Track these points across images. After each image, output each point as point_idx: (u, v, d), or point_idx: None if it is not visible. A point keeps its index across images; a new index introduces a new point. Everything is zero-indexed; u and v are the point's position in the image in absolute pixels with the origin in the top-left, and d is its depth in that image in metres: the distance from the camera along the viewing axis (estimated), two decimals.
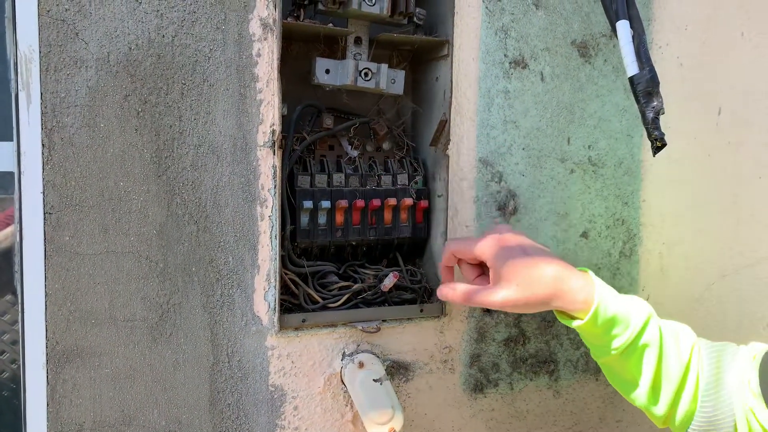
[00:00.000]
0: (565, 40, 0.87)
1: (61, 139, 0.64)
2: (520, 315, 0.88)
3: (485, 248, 0.69)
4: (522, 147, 0.86)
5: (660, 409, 0.66)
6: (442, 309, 0.83)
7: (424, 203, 0.84)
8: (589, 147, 0.90)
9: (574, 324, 0.67)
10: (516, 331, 0.88)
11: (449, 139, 0.81)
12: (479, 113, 0.83)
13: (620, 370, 0.69)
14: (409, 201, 0.82)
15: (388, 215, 0.83)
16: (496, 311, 0.87)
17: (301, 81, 0.81)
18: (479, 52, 0.82)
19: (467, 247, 0.72)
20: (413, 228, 0.85)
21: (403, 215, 0.83)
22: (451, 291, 0.71)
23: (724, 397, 0.64)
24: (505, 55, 0.84)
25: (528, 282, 0.66)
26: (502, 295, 0.66)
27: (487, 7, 0.82)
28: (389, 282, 0.80)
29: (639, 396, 0.67)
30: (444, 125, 0.81)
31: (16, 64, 0.62)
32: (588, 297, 0.65)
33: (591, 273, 0.68)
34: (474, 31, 0.82)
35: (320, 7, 0.75)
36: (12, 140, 0.63)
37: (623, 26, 0.69)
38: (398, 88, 0.81)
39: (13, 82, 0.62)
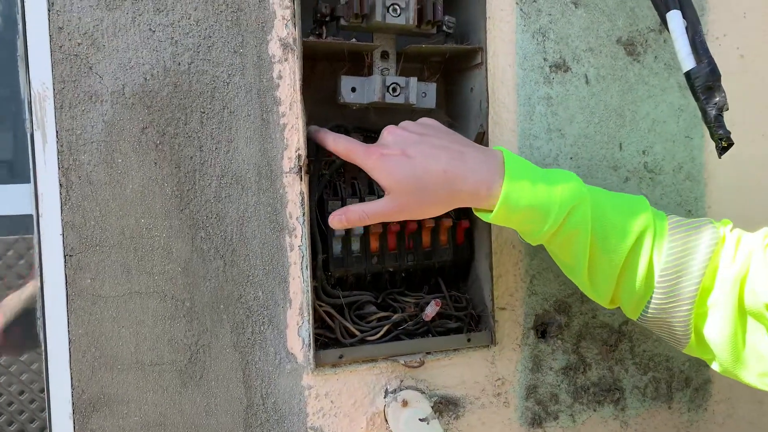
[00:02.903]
0: (609, 39, 0.80)
1: (79, 178, 0.62)
2: (578, 341, 0.80)
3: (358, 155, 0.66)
4: (569, 156, 0.79)
5: (601, 298, 0.67)
6: (491, 338, 0.77)
7: (465, 223, 0.78)
8: (643, 152, 0.82)
9: (489, 218, 0.63)
10: (575, 357, 0.81)
11: None
12: (520, 123, 0.77)
13: (554, 254, 0.68)
14: (448, 221, 0.77)
15: (426, 238, 0.77)
16: (551, 336, 0.79)
17: (328, 101, 0.76)
18: (516, 57, 0.76)
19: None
20: (455, 250, 0.79)
21: (443, 237, 0.78)
22: (338, 216, 0.67)
23: (685, 286, 0.61)
24: (544, 59, 0.78)
25: (411, 187, 0.62)
26: (377, 205, 0.65)
27: (521, 10, 0.76)
28: (431, 310, 0.74)
29: (578, 282, 0.68)
30: (482, 137, 0.75)
31: (29, 103, 0.60)
32: (490, 192, 0.61)
33: (501, 155, 0.64)
34: (509, 36, 0.76)
35: (342, 22, 0.71)
36: (29, 182, 0.61)
37: (675, 17, 0.62)
38: (430, 101, 0.75)
39: (27, 122, 0.60)
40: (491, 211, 0.63)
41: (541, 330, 0.80)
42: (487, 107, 0.74)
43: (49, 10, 0.60)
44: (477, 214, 0.66)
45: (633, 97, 0.82)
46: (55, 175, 0.61)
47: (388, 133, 0.66)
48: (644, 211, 0.64)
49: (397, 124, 0.69)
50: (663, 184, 0.83)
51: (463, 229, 0.79)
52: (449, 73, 0.81)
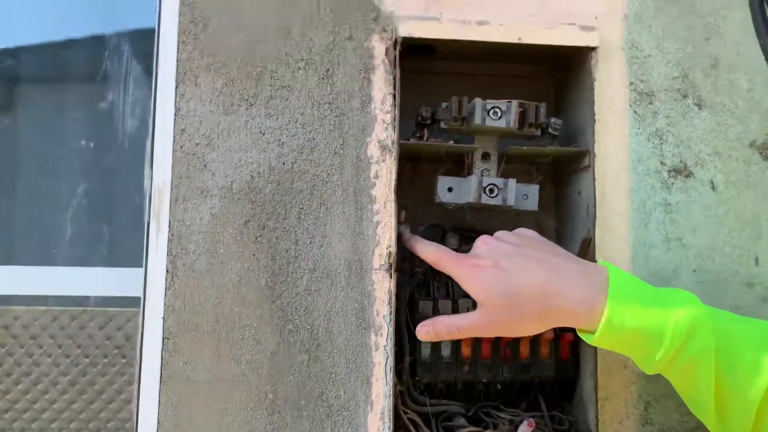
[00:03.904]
0: (740, 143, 0.73)
1: (184, 265, 0.66)
2: None
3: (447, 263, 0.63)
4: (692, 269, 0.71)
5: None
6: None
7: (569, 336, 0.72)
8: None
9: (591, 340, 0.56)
10: None
11: (595, 261, 0.70)
12: (633, 230, 0.71)
13: (674, 385, 0.59)
14: (550, 333, 0.71)
15: (524, 349, 0.71)
16: None
17: (427, 201, 0.76)
18: (629, 161, 0.72)
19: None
20: (557, 365, 0.72)
21: (544, 349, 0.72)
22: (426, 327, 0.64)
23: None
24: (662, 163, 0.72)
25: (504, 302, 0.58)
26: (468, 318, 0.60)
27: (635, 112, 0.72)
28: (524, 430, 0.67)
29: (704, 419, 0.58)
30: (588, 245, 0.70)
31: (150, 196, 0.67)
32: (592, 311, 0.54)
33: (606, 271, 0.57)
34: (621, 139, 0.72)
35: (442, 125, 0.72)
36: (141, 266, 0.66)
37: None
38: (532, 204, 0.72)
39: (146, 212, 0.67)
40: (594, 333, 0.57)
41: None
42: (595, 212, 0.70)
43: (175, 115, 0.67)
44: (580, 334, 0.60)
45: None
46: (163, 261, 0.66)
47: (482, 242, 0.64)
48: None
49: (496, 226, 0.67)
50: None
51: (567, 342, 0.72)
52: (558, 176, 0.78)
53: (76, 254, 0.68)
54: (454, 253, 0.65)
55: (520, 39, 0.70)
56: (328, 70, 0.70)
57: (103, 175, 0.68)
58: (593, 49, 0.71)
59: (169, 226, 0.66)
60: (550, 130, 0.72)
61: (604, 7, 0.73)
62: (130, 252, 0.67)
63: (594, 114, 0.71)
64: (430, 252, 0.65)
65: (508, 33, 0.70)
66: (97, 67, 0.69)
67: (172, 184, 0.67)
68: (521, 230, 0.66)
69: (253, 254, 0.67)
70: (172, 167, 0.67)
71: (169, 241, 0.66)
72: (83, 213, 0.68)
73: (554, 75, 0.81)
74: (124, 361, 0.67)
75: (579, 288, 0.57)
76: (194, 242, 0.67)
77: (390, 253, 0.68)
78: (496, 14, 0.72)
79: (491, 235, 0.65)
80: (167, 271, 0.66)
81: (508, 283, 0.58)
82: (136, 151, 0.67)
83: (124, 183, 0.68)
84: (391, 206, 0.69)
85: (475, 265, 0.60)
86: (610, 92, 0.72)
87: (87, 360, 0.70)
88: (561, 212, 0.77)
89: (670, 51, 0.73)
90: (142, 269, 0.66)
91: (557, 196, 0.79)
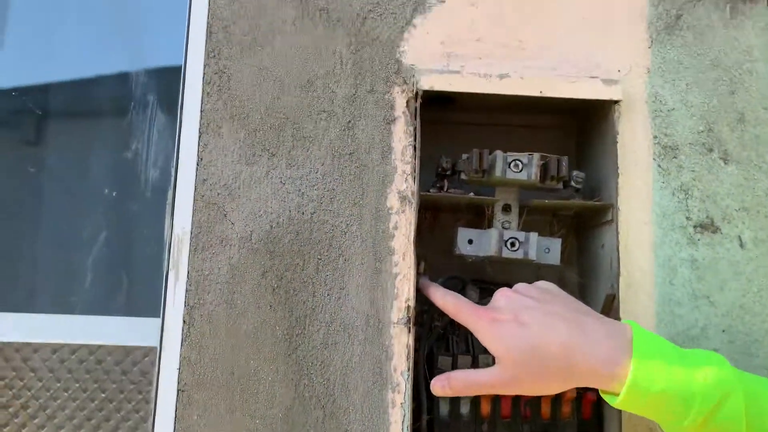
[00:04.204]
0: None
1: (201, 316, 0.66)
2: None
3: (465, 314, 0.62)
4: (721, 329, 0.69)
5: None
6: None
7: (591, 395, 0.69)
8: None
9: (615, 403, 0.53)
10: None
11: (620, 318, 0.68)
12: (658, 286, 0.69)
13: None
14: (572, 392, 0.69)
15: (545, 408, 0.69)
16: None
17: (448, 252, 0.75)
18: (652, 215, 0.70)
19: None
20: (580, 425, 0.70)
21: (566, 408, 0.69)
22: (441, 382, 0.62)
23: None
24: (687, 218, 0.70)
25: (524, 359, 0.56)
26: (485, 374, 0.58)
27: (659, 166, 0.71)
28: None
29: None
30: (612, 301, 0.68)
31: (169, 245, 0.67)
32: (615, 372, 0.52)
33: (630, 330, 0.54)
34: (645, 193, 0.71)
35: (463, 177, 0.71)
36: (159, 317, 0.66)
37: None
38: (554, 257, 0.71)
39: (165, 262, 0.67)
40: (618, 395, 0.55)
41: None
42: (618, 267, 0.68)
43: (197, 164, 0.68)
44: (603, 396, 0.58)
45: None
46: (180, 312, 0.66)
47: (501, 295, 0.62)
48: None
49: (517, 279, 0.66)
50: None
51: (590, 402, 0.70)
52: (580, 229, 0.77)
53: (94, 302, 0.68)
54: (473, 304, 0.63)
55: (541, 92, 0.70)
56: (350, 121, 0.70)
57: (124, 222, 0.69)
58: (616, 102, 0.70)
59: (188, 276, 0.66)
60: (572, 182, 0.71)
61: (627, 60, 0.72)
62: (147, 302, 0.67)
63: (617, 167, 0.70)
64: (448, 302, 0.64)
65: (529, 86, 0.70)
66: (123, 114, 0.70)
67: (192, 233, 0.67)
68: (542, 283, 0.65)
69: (270, 305, 0.67)
70: (193, 216, 0.67)
71: (187, 291, 0.66)
72: (103, 260, 0.68)
73: (575, 127, 0.80)
74: (140, 397, 0.66)
75: (603, 348, 0.55)
76: (212, 292, 0.66)
77: (409, 306, 0.67)
78: (517, 67, 0.72)
79: (511, 287, 0.63)
80: (184, 321, 0.66)
81: (529, 340, 0.57)
82: (158, 199, 0.67)
83: (144, 231, 0.68)
84: (411, 258, 0.68)
85: (495, 319, 0.59)
86: (633, 145, 0.71)
87: (103, 395, 0.69)
88: (584, 266, 0.76)
89: (694, 104, 0.72)
90: (159, 319, 0.66)
91: (579, 250, 0.77)
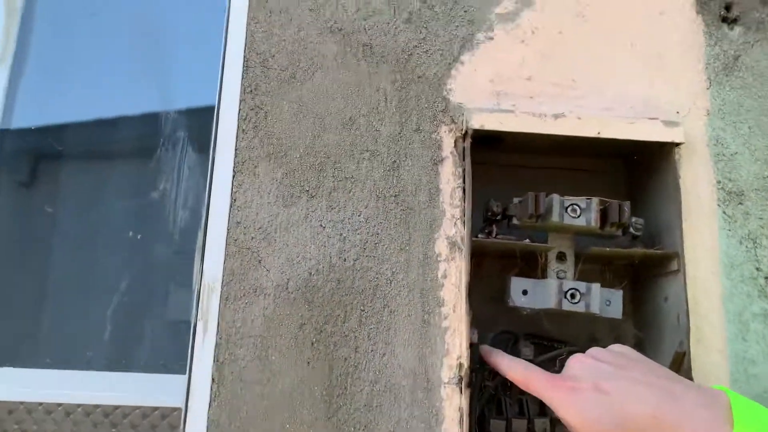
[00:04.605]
0: None
1: (231, 373, 0.59)
2: None
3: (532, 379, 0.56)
4: None
5: None
6: None
7: None
8: None
9: None
10: None
11: (691, 377, 0.62)
12: (730, 343, 0.64)
13: None
14: None
15: None
16: None
17: (493, 301, 0.70)
18: (720, 265, 0.65)
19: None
20: None
21: None
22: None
23: None
24: (757, 269, 0.65)
25: (606, 429, 0.50)
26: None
27: (725, 212, 0.66)
28: None
29: None
30: (681, 359, 0.63)
31: (198, 293, 0.61)
32: None
33: (726, 397, 0.48)
34: (710, 242, 0.66)
35: (514, 222, 0.66)
36: (184, 374, 0.59)
37: None
38: (615, 311, 0.65)
39: (193, 312, 0.60)
40: None
41: None
42: (688, 322, 0.63)
43: (231, 206, 0.63)
44: None
45: None
46: (209, 368, 0.59)
47: (576, 362, 0.56)
48: None
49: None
50: None
51: None
52: (638, 279, 0.71)
53: (113, 357, 0.61)
54: (545, 373, 0.57)
55: (599, 133, 0.66)
56: (395, 161, 0.65)
57: (149, 268, 0.63)
58: (678, 144, 0.66)
59: (218, 328, 0.60)
60: (631, 229, 0.66)
61: (687, 102, 0.69)
62: (173, 356, 0.60)
63: (681, 213, 0.65)
64: (517, 372, 0.58)
65: (586, 126, 0.66)
66: (151, 152, 0.65)
67: (223, 280, 0.61)
68: (617, 347, 0.58)
69: (308, 362, 0.60)
70: (225, 262, 0.61)
71: (217, 345, 0.60)
72: (123, 311, 0.62)
73: (624, 171, 0.76)
74: None
75: (699, 419, 0.49)
76: (244, 347, 0.60)
77: (461, 364, 0.61)
78: (571, 107, 0.68)
79: (573, 345, 0.58)
80: (213, 379, 0.59)
81: (613, 410, 0.50)
82: (187, 243, 0.62)
83: (171, 278, 0.62)
84: (462, 310, 0.62)
85: (573, 388, 0.53)
86: (696, 191, 0.67)
87: None
88: (642, 319, 0.70)
89: (758, 148, 0.68)
90: (185, 376, 0.59)
91: (636, 301, 0.72)
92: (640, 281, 0.71)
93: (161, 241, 0.63)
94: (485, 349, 0.62)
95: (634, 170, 0.74)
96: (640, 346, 0.70)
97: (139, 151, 0.66)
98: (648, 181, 0.71)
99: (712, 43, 0.71)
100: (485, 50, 0.69)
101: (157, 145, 0.65)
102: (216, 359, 0.59)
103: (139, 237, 0.62)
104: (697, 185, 0.67)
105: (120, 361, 0.61)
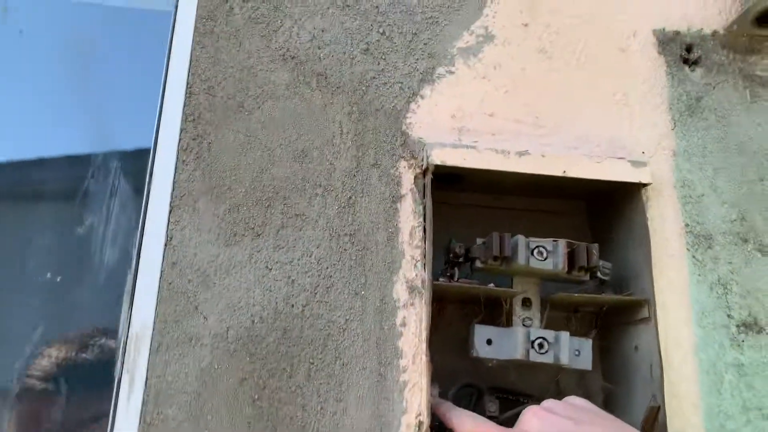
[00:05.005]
0: None
1: None
2: None
3: None
4: None
5: None
6: None
7: None
8: None
9: None
10: None
11: None
12: (704, 397, 0.60)
13: None
14: None
15: None
16: None
17: (457, 351, 0.64)
18: (692, 313, 0.62)
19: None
20: None
21: None
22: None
23: None
24: (729, 316, 0.63)
25: None
26: None
27: (694, 257, 0.64)
28: None
29: None
30: (656, 415, 0.58)
31: (125, 343, 0.53)
32: None
33: None
34: (681, 287, 0.63)
35: (478, 264, 0.62)
36: None
37: None
38: (585, 361, 0.61)
39: (118, 365, 0.53)
40: None
41: None
42: (662, 374, 0.59)
43: (165, 245, 0.56)
44: None
45: None
46: (134, 430, 0.51)
47: (532, 415, 0.51)
48: None
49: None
50: None
51: None
52: (605, 327, 0.68)
53: (21, 419, 0.53)
54: (498, 427, 0.52)
55: (564, 172, 0.62)
56: (350, 198, 0.60)
57: (67, 314, 0.55)
58: (645, 185, 0.64)
59: (146, 383, 0.53)
60: (598, 274, 0.63)
61: (652, 142, 0.67)
62: (90, 416, 0.52)
63: (650, 257, 0.62)
64: (466, 426, 0.52)
65: (551, 165, 0.62)
66: (75, 187, 0.58)
67: (154, 328, 0.54)
68: (575, 399, 0.54)
69: (249, 423, 0.53)
70: (156, 308, 0.54)
71: (144, 402, 0.52)
72: (37, 363, 0.53)
73: (592, 212, 0.73)
74: None
75: None
76: (176, 405, 0.53)
77: (420, 422, 0.55)
78: (535, 144, 0.65)
79: (530, 397, 0.53)
80: None
81: None
82: (113, 286, 0.55)
83: (92, 326, 0.55)
84: (423, 362, 0.57)
85: None
86: (664, 234, 0.64)
87: None
88: (612, 370, 0.66)
89: (724, 191, 0.66)
90: None
91: (603, 350, 0.68)
92: (608, 329, 0.67)
93: (83, 284, 0.56)
94: (434, 400, 0.56)
95: (599, 212, 0.71)
96: (609, 398, 0.66)
97: (63, 188, 0.59)
98: (613, 223, 0.68)
99: (675, 84, 0.69)
100: (446, 85, 0.66)
101: (85, 176, 0.58)
102: (143, 420, 0.52)
103: (58, 279, 0.55)
104: (665, 228, 0.64)
105: (28, 423, 0.53)
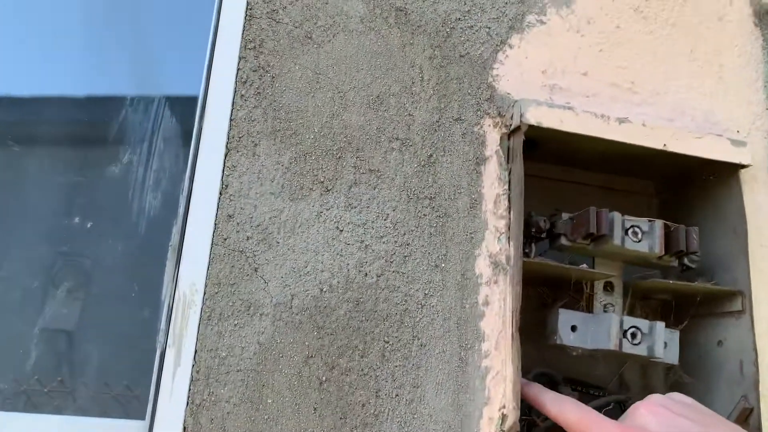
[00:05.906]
0: None
1: (211, 421, 0.43)
2: None
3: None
4: None
5: None
6: None
7: None
8: None
9: None
10: None
11: None
12: None
13: None
14: None
15: None
16: None
17: (526, 335, 0.58)
18: None
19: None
20: None
21: None
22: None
23: None
24: None
25: None
26: None
27: None
28: None
29: None
30: (747, 416, 0.54)
31: (170, 309, 0.44)
32: None
33: None
34: None
35: (563, 241, 0.55)
36: (144, 419, 0.43)
37: None
38: (672, 355, 0.56)
39: (161, 335, 0.44)
40: None
41: None
42: (757, 373, 0.54)
43: (220, 193, 0.47)
44: None
45: None
46: (180, 413, 0.43)
47: (647, 411, 0.45)
48: None
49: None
50: None
51: None
52: (680, 318, 0.62)
53: (39, 394, 0.43)
54: (608, 420, 0.46)
55: (665, 146, 0.56)
56: (431, 155, 0.52)
57: (98, 269, 0.45)
58: (744, 167, 0.58)
59: (195, 359, 0.44)
60: (686, 261, 0.57)
61: (746, 121, 0.61)
62: (129, 396, 0.44)
63: (746, 246, 0.57)
64: (570, 413, 0.46)
65: (652, 137, 0.56)
66: (109, 128, 0.48)
67: (205, 292, 0.45)
68: (682, 397, 0.48)
69: (315, 408, 0.45)
70: (208, 268, 0.45)
71: (193, 380, 0.43)
72: (60, 327, 0.44)
73: (662, 193, 0.67)
74: None
75: None
76: (230, 385, 0.44)
77: (503, 416, 0.48)
78: (632, 113, 0.58)
79: (619, 393, 0.47)
80: (184, 429, 0.43)
81: None
82: (156, 239, 0.45)
83: (130, 287, 0.45)
84: (508, 348, 0.50)
85: None
86: (757, 221, 0.59)
87: None
88: (687, 363, 0.61)
89: None
90: (145, 423, 0.43)
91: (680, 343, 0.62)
92: (683, 320, 0.62)
93: (119, 235, 0.46)
94: (524, 383, 0.50)
95: (673, 193, 0.65)
96: (684, 389, 0.61)
97: (96, 131, 0.49)
98: (696, 206, 0.62)
99: None
100: (537, 35, 0.58)
101: (119, 119, 0.48)
102: (190, 401, 0.43)
103: (89, 225, 0.45)
104: (758, 215, 0.59)
105: (53, 400, 0.43)
